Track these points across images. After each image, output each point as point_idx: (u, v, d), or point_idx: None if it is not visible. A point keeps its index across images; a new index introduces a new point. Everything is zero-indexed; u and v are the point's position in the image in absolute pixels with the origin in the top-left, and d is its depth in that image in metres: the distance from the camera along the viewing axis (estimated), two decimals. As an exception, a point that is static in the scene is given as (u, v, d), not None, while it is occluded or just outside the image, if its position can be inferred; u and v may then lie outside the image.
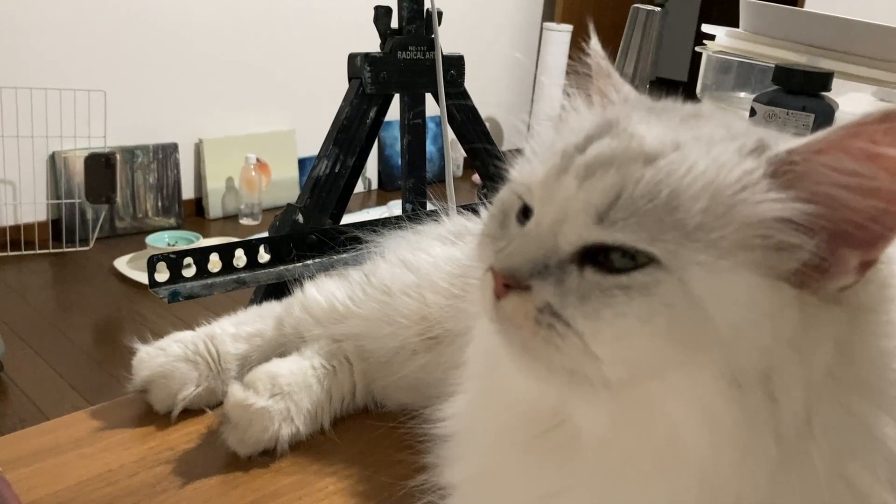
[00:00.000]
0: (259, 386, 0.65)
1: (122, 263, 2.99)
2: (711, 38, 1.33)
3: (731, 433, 0.38)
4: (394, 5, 1.05)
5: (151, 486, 0.60)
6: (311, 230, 0.97)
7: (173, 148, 3.46)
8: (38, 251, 3.03)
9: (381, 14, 1.03)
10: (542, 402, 0.45)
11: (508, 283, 0.40)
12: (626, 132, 0.41)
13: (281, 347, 0.73)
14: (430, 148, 4.08)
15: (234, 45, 3.48)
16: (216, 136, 3.57)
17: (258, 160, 3.63)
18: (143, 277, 2.87)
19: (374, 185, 4.24)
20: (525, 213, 0.45)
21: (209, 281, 0.89)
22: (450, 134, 1.09)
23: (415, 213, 0.87)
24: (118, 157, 3.13)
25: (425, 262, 0.72)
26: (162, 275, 0.89)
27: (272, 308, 0.77)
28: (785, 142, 0.39)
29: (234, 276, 0.90)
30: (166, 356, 0.69)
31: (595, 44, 0.50)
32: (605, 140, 0.41)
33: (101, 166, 3.02)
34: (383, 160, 4.19)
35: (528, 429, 0.45)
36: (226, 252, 0.93)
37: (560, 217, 0.41)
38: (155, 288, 0.89)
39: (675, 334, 0.37)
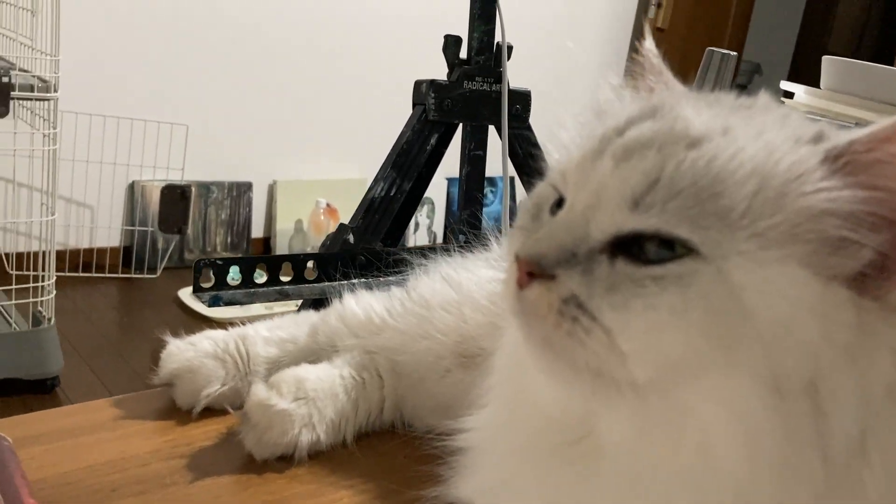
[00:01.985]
0: (283, 388, 0.63)
1: (187, 294, 3.03)
2: (790, 95, 1.29)
3: (770, 447, 0.34)
4: (465, 36, 1.05)
5: (161, 477, 0.58)
6: (361, 250, 0.95)
7: (247, 187, 3.54)
8: (108, 274, 3.11)
9: (451, 43, 1.03)
10: (566, 411, 0.41)
11: (533, 270, 0.38)
12: (671, 114, 0.38)
13: (313, 356, 0.71)
14: (497, 207, 4.05)
15: (315, 93, 3.57)
16: (290, 178, 3.64)
17: (328, 205, 3.68)
18: (204, 309, 2.91)
19: (440, 239, 4.25)
20: (559, 204, 0.42)
21: (252, 290, 0.88)
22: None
23: (467, 243, 0.85)
24: (193, 190, 3.21)
25: (467, 280, 0.69)
26: (207, 281, 0.89)
27: (308, 316, 0.75)
28: (847, 134, 0.36)
29: (278, 288, 0.89)
30: (195, 351, 0.68)
31: (649, 43, 0.48)
32: (648, 123, 0.38)
33: (176, 198, 3.10)
34: (450, 215, 4.20)
35: (551, 440, 0.42)
36: (273, 264, 0.93)
37: (593, 202, 0.38)
38: (198, 292, 0.88)
39: (710, 329, 0.34)
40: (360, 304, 0.73)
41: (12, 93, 2.11)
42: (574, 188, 0.39)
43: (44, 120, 2.26)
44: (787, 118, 0.39)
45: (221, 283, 0.89)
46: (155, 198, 3.17)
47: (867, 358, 0.33)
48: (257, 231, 3.64)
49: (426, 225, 4.15)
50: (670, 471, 0.36)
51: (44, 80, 2.20)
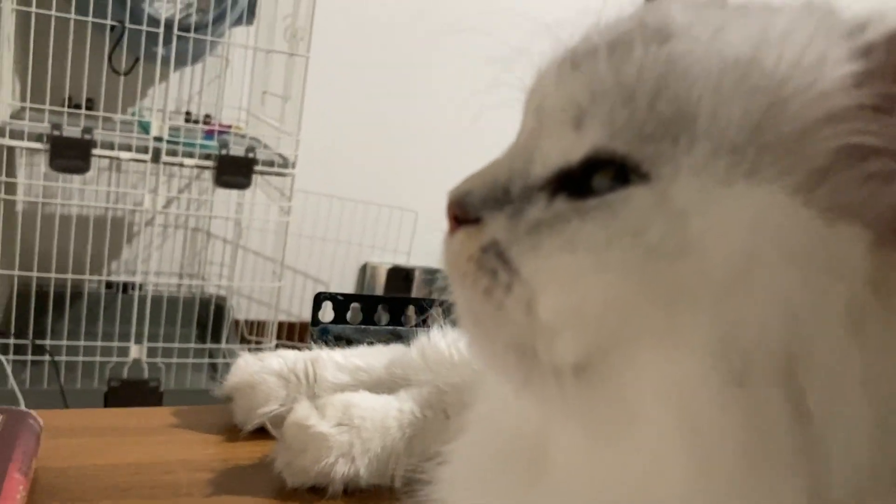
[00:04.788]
0: (328, 411, 0.56)
1: (400, 374, 3.08)
2: None
3: (728, 465, 0.21)
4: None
5: (178, 486, 0.53)
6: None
7: (472, 276, 3.58)
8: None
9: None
10: (522, 422, 0.31)
11: (457, 214, 0.29)
12: (648, 12, 0.28)
13: (385, 389, 0.64)
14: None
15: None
16: (514, 270, 3.64)
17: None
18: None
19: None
20: None
21: (363, 327, 0.84)
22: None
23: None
24: (418, 274, 3.30)
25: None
26: (328, 314, 0.86)
27: (394, 348, 0.69)
28: None
29: (392, 328, 0.84)
30: (261, 366, 0.64)
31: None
32: (614, 24, 0.29)
33: (400, 279, 3.20)
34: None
35: (508, 463, 0.32)
36: (396, 306, 0.88)
37: (536, 126, 0.29)
38: (315, 325, 0.85)
39: (641, 275, 0.23)
40: (445, 339, 0.65)
41: (255, 167, 2.31)
42: (524, 113, 0.31)
43: (281, 194, 2.45)
44: (816, 10, 0.27)
45: (341, 318, 0.85)
46: (382, 279, 3.30)
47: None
48: (477, 320, 3.65)
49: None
50: (616, 495, 0.25)
51: (284, 158, 2.39)
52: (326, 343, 0.81)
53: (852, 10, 0.26)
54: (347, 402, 0.57)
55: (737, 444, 0.21)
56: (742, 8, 0.28)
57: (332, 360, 0.65)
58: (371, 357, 0.67)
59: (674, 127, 0.24)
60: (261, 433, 0.62)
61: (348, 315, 0.86)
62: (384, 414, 0.58)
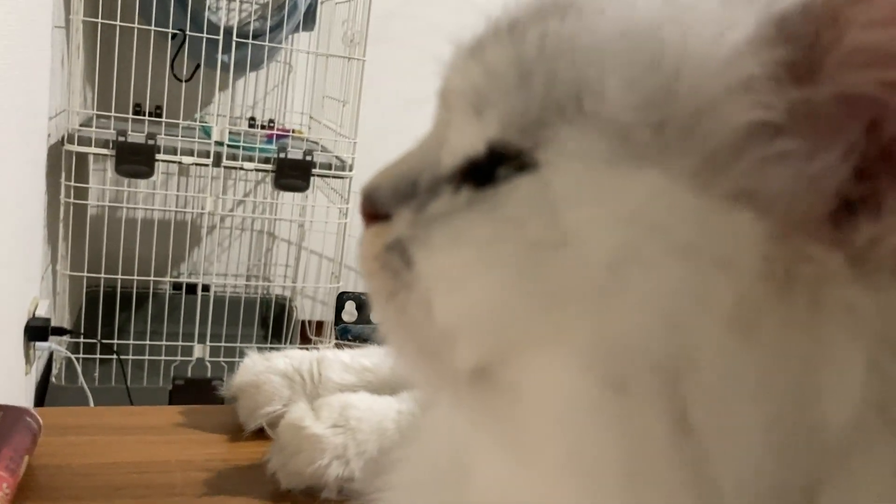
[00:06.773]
0: (324, 412, 0.55)
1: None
2: None
3: (608, 490, 0.19)
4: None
5: (172, 486, 0.53)
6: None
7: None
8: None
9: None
10: (448, 445, 0.30)
11: (367, 210, 0.28)
12: None
13: (390, 391, 0.63)
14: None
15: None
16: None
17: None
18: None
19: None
20: None
21: (383, 327, 0.83)
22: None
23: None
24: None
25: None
26: (350, 315, 0.86)
27: (402, 349, 0.67)
28: None
29: (413, 329, 0.83)
30: (267, 367, 0.63)
31: None
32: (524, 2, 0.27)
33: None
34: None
35: (443, 477, 0.30)
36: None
37: (444, 116, 0.27)
38: (337, 325, 0.85)
39: (524, 273, 0.21)
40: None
41: (313, 170, 2.34)
42: (436, 101, 0.29)
43: (339, 195, 2.47)
44: None
45: (364, 317, 0.85)
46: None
47: (804, 348, 0.18)
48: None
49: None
50: None
51: (342, 160, 2.41)
52: (348, 342, 0.80)
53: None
54: (344, 403, 0.56)
55: (617, 463, 0.19)
56: None
57: (338, 361, 0.64)
58: (377, 358, 0.66)
59: (567, 110, 0.22)
60: (264, 433, 0.61)
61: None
62: (382, 415, 0.57)
